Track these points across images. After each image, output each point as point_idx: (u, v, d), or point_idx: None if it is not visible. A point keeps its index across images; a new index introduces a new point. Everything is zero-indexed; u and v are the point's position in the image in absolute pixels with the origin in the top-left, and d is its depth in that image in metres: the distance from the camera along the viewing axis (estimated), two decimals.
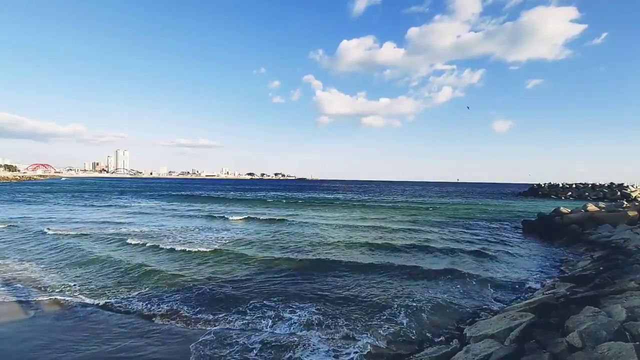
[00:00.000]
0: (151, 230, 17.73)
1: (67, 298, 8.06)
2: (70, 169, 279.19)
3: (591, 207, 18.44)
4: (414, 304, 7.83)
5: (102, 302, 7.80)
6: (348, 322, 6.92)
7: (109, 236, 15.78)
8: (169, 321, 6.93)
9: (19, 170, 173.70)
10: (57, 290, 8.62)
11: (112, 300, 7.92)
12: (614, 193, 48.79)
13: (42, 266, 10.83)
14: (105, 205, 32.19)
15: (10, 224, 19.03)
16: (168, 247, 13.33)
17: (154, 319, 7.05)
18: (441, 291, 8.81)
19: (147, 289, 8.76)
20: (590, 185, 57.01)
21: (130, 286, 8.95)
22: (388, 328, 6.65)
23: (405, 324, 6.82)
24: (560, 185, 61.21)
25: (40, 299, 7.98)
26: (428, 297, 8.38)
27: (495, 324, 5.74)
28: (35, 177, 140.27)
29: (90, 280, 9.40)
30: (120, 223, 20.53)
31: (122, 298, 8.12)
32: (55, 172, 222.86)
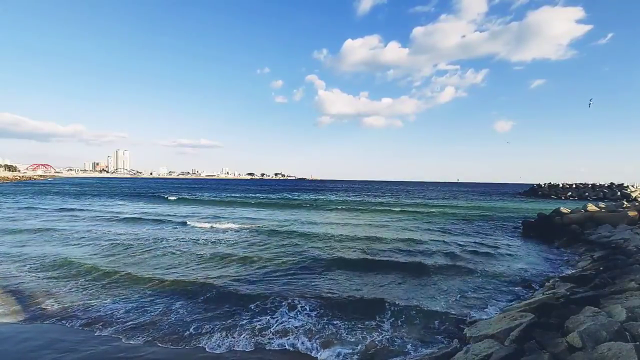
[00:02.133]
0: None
1: (66, 298, 8.06)
2: (71, 169, 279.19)
3: (591, 207, 18.42)
4: (414, 305, 7.82)
5: (98, 302, 7.80)
6: (347, 324, 6.91)
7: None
8: (165, 321, 6.92)
9: (19, 171, 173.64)
10: (53, 291, 8.61)
11: (108, 301, 7.92)
12: (614, 193, 48.81)
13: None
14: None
15: None
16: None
17: (151, 318, 7.04)
18: (441, 292, 8.81)
19: (142, 292, 8.75)
20: (590, 186, 57.01)
21: (125, 287, 8.94)
22: (388, 329, 6.64)
23: (405, 325, 6.82)
24: (561, 185, 61.19)
25: (38, 301, 7.98)
26: (428, 298, 8.38)
27: (495, 324, 5.73)
28: (35, 177, 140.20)
29: (83, 282, 9.39)
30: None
31: (119, 298, 8.11)
32: (55, 172, 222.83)
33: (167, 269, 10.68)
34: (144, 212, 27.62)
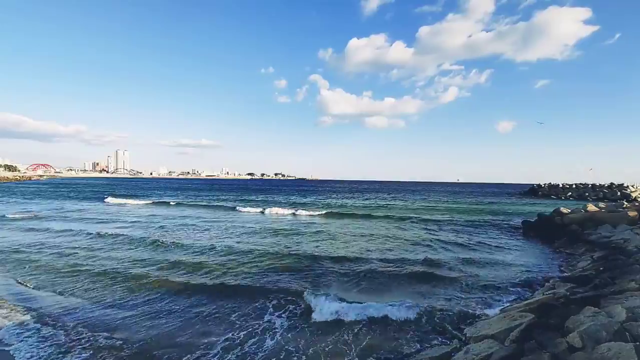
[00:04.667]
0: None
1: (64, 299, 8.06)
2: (71, 169, 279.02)
3: (591, 207, 18.40)
4: (413, 305, 7.81)
5: (98, 302, 7.80)
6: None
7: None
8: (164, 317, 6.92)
9: (19, 170, 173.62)
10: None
11: (109, 300, 7.93)
12: (614, 193, 48.75)
13: None
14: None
15: None
16: None
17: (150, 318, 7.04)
18: (441, 292, 8.80)
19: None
20: (590, 186, 56.95)
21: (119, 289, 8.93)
22: (388, 329, 6.63)
23: (404, 325, 6.81)
24: (560, 185, 61.16)
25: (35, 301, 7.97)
26: (427, 298, 8.37)
27: (495, 324, 5.73)
28: (34, 177, 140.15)
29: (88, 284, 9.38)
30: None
31: (117, 299, 8.12)
32: (55, 172, 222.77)
33: None
34: (88, 218, 23.33)
